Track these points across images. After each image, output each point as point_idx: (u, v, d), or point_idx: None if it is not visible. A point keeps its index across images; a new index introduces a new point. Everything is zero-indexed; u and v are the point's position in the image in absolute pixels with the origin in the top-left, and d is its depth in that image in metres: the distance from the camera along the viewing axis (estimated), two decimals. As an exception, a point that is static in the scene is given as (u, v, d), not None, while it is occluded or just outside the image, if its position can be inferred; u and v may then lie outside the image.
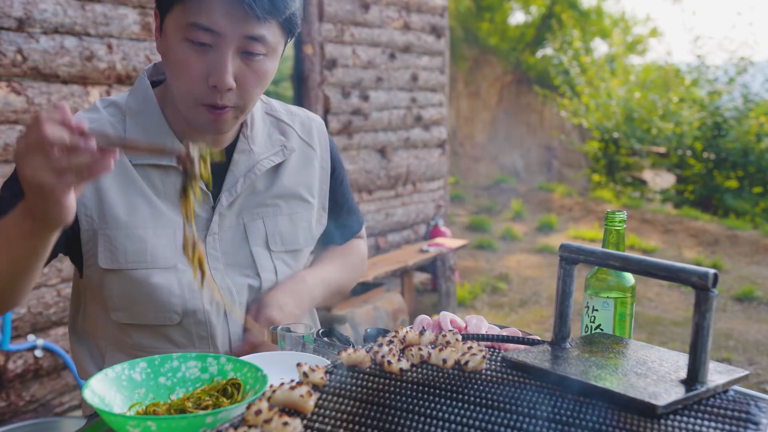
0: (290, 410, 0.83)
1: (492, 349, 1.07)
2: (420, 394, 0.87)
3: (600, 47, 14.29)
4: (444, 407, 0.83)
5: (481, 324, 1.25)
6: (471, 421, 0.80)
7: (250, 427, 0.77)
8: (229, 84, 1.25)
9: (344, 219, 1.66)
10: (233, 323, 1.41)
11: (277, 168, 1.49)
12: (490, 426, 0.79)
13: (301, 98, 4.87)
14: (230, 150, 1.43)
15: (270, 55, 1.30)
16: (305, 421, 0.81)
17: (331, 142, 1.62)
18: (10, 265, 1.17)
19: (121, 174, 1.34)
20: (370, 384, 0.90)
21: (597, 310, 1.22)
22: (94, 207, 1.32)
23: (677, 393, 0.85)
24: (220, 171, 1.39)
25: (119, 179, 1.33)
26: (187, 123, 1.36)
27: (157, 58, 3.41)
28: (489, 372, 0.95)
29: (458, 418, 0.81)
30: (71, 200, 1.04)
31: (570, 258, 1.02)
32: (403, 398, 0.86)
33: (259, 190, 1.46)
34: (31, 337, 3.05)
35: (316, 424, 0.80)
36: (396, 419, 0.81)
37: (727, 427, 0.80)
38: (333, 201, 1.61)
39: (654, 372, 0.92)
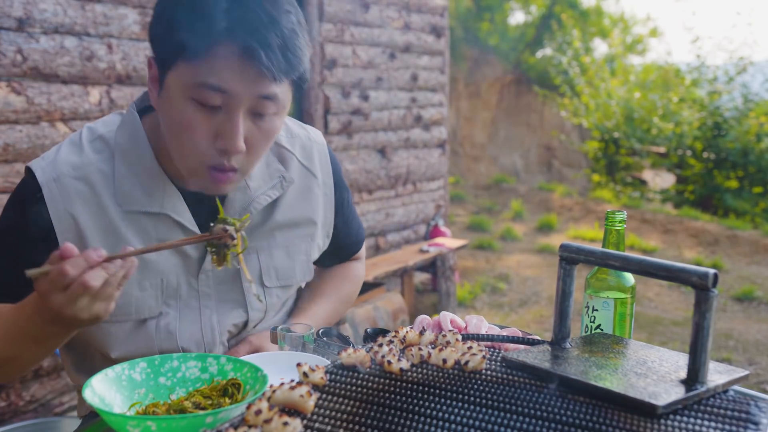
0: (290, 410, 0.83)
1: (492, 349, 1.07)
2: (420, 394, 0.87)
3: (600, 47, 14.31)
4: (444, 407, 0.83)
5: (481, 324, 1.25)
6: (471, 421, 0.80)
7: (250, 427, 0.77)
8: (240, 148, 1.17)
9: (344, 239, 1.60)
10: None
11: (273, 201, 1.41)
12: (490, 426, 0.79)
13: (300, 98, 4.87)
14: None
15: (280, 113, 1.22)
16: (305, 421, 0.81)
17: (334, 163, 1.53)
18: (30, 359, 1.21)
19: (107, 229, 1.27)
20: (370, 384, 0.90)
21: (597, 310, 1.22)
22: None
23: (677, 393, 0.85)
24: (212, 210, 1.30)
25: (105, 234, 1.27)
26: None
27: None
28: (489, 372, 0.95)
29: (458, 418, 0.81)
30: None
31: (570, 258, 1.02)
32: (403, 398, 0.86)
33: (255, 224, 1.39)
34: (31, 337, 3.04)
35: (316, 424, 0.80)
36: (396, 419, 0.81)
37: (727, 427, 0.80)
38: (335, 224, 1.54)
39: (654, 372, 0.92)
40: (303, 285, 1.61)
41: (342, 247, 1.62)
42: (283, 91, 1.18)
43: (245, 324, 1.41)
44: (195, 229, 1.31)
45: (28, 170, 1.28)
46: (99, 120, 1.37)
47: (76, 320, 1.06)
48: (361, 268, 1.74)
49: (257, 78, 1.13)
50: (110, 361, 1.35)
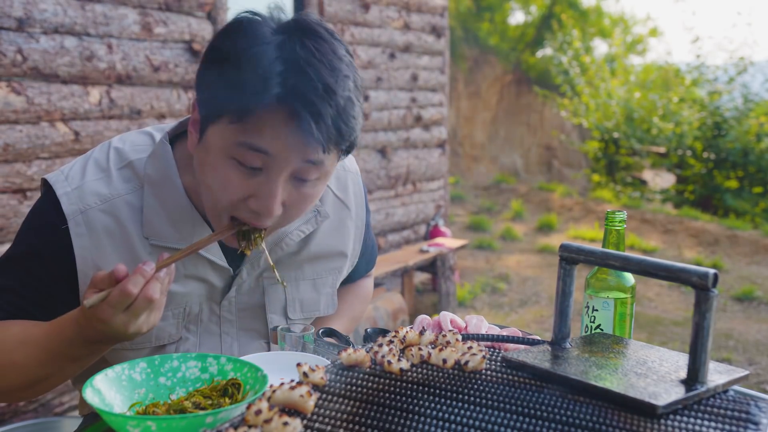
0: (290, 410, 0.83)
1: (492, 349, 1.07)
2: (420, 394, 0.87)
3: (600, 47, 14.30)
4: (444, 407, 0.83)
5: (481, 324, 1.25)
6: (471, 421, 0.80)
7: (250, 427, 0.77)
8: (275, 213, 1.13)
9: (361, 261, 1.57)
10: None
11: (306, 236, 1.37)
12: (490, 426, 0.79)
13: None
14: None
15: (323, 179, 1.17)
16: (305, 421, 0.81)
17: (365, 191, 1.49)
18: (64, 377, 1.21)
19: (128, 261, 1.22)
20: (370, 384, 0.90)
21: (597, 310, 1.22)
22: None
23: (677, 393, 0.85)
24: None
25: (128, 266, 1.17)
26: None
27: (158, 58, 3.41)
28: (489, 372, 0.95)
29: (458, 418, 0.81)
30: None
31: (570, 258, 1.02)
32: (403, 398, 0.86)
33: (284, 256, 1.36)
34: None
35: (316, 424, 0.80)
36: (396, 419, 0.81)
37: (727, 427, 0.80)
38: (360, 249, 1.53)
39: (654, 372, 0.92)
40: None
41: (358, 270, 1.59)
42: (330, 159, 1.13)
43: None
44: (224, 264, 1.29)
45: (50, 191, 1.24)
46: (127, 139, 1.31)
47: (137, 335, 1.09)
48: (370, 284, 1.73)
49: (304, 145, 1.08)
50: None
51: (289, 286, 1.38)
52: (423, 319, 1.30)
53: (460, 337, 1.06)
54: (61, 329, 1.13)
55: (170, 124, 1.36)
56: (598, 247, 1.03)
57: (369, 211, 1.55)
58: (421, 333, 1.06)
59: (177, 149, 1.29)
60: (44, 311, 1.22)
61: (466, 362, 0.96)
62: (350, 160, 1.48)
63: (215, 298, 1.33)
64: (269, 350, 1.40)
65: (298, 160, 1.10)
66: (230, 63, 1.08)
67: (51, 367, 1.17)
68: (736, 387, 0.93)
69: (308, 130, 1.05)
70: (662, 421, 0.81)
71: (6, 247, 2.97)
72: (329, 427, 0.79)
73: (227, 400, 1.04)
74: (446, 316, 1.27)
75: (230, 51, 1.09)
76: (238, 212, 1.15)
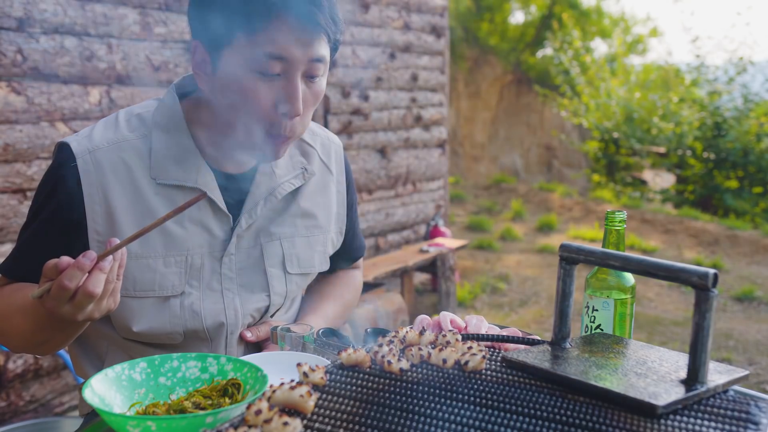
0: (290, 410, 0.83)
1: (492, 349, 1.07)
2: (420, 394, 0.87)
3: (600, 47, 14.30)
4: (444, 407, 0.83)
5: (481, 324, 1.25)
6: (471, 421, 0.80)
7: (250, 427, 0.77)
8: (300, 110, 1.25)
9: (348, 244, 1.64)
10: (233, 340, 1.41)
11: (295, 190, 1.47)
12: (490, 426, 0.79)
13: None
14: (252, 172, 1.41)
15: (325, 74, 1.31)
16: (305, 421, 0.81)
17: (347, 165, 1.60)
18: (60, 342, 1.27)
19: (138, 202, 1.31)
20: (370, 384, 0.90)
21: (597, 310, 1.22)
22: (107, 234, 1.30)
23: (677, 393, 0.85)
24: (240, 193, 1.39)
25: (135, 207, 1.30)
26: (232, 148, 1.35)
27: (158, 58, 3.41)
28: (489, 372, 0.95)
29: (458, 418, 0.81)
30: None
31: (570, 258, 1.02)
32: (403, 398, 0.86)
33: (278, 212, 1.45)
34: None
35: (316, 424, 0.80)
36: (396, 419, 0.81)
37: (727, 427, 0.80)
38: (346, 224, 1.60)
39: (654, 372, 0.92)
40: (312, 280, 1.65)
41: (348, 250, 1.65)
42: (327, 52, 1.27)
43: (267, 309, 1.44)
44: (223, 207, 1.36)
45: (62, 144, 1.32)
46: (134, 105, 1.42)
47: (90, 320, 1.12)
48: (360, 277, 1.78)
49: (311, 42, 1.22)
50: (116, 347, 1.39)
51: (286, 242, 1.46)
52: (423, 319, 1.30)
53: (460, 337, 1.06)
54: (40, 303, 1.17)
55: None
56: (598, 247, 1.03)
57: (355, 193, 1.65)
58: (421, 333, 1.06)
59: (182, 105, 1.38)
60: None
61: (466, 362, 0.96)
62: (334, 136, 1.62)
63: (216, 254, 1.37)
64: (270, 302, 1.44)
65: (307, 56, 1.23)
66: None
67: (43, 335, 1.23)
68: (736, 387, 0.93)
69: (318, 22, 1.20)
70: (662, 421, 0.81)
71: (6, 247, 2.97)
72: (329, 427, 0.79)
73: (227, 400, 1.04)
74: (446, 316, 1.27)
75: None
76: (269, 126, 1.26)
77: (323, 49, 1.25)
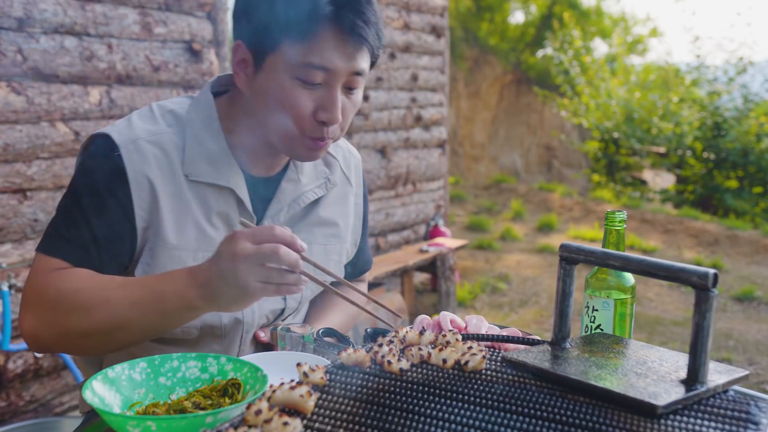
0: (290, 410, 0.83)
1: (492, 349, 1.07)
2: (420, 394, 0.87)
3: (600, 47, 14.31)
4: (444, 407, 0.83)
5: (481, 324, 1.25)
6: (471, 421, 0.80)
7: (250, 427, 0.77)
8: (339, 119, 1.27)
9: (360, 255, 1.66)
10: (248, 339, 1.41)
11: (317, 199, 1.49)
12: (490, 426, 0.79)
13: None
14: (278, 177, 1.43)
15: (362, 87, 1.33)
16: (305, 421, 0.81)
17: (364, 179, 1.64)
18: (138, 333, 1.23)
19: (176, 194, 1.31)
20: (370, 384, 0.90)
21: (597, 310, 1.22)
22: (150, 224, 1.30)
23: (677, 393, 0.85)
24: (265, 197, 1.40)
25: (174, 199, 1.31)
26: (263, 149, 1.36)
27: (158, 58, 3.41)
28: (489, 372, 0.95)
29: (458, 418, 0.81)
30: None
31: (570, 258, 1.02)
32: (403, 398, 0.86)
33: (298, 217, 1.47)
34: (31, 337, 3.04)
35: (316, 424, 0.80)
36: (396, 419, 0.81)
37: (727, 427, 0.80)
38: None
39: (654, 372, 0.92)
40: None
41: (356, 263, 1.67)
42: (368, 66, 1.30)
43: (282, 312, 1.45)
44: (250, 208, 1.37)
45: (100, 135, 1.30)
46: (165, 101, 1.42)
47: (227, 301, 1.13)
48: (365, 290, 1.77)
49: (355, 56, 1.24)
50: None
51: None
52: (423, 319, 1.30)
53: (460, 337, 1.06)
54: (170, 276, 1.18)
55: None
56: (598, 247, 1.03)
57: (368, 203, 1.66)
58: (421, 333, 1.06)
59: (216, 103, 1.38)
60: (102, 252, 1.27)
61: (466, 362, 0.96)
62: (355, 150, 1.65)
63: None
64: (286, 305, 1.45)
65: (349, 69, 1.25)
66: None
67: (138, 311, 1.18)
68: (736, 387, 0.93)
69: (364, 36, 1.22)
70: (662, 421, 0.81)
71: (6, 247, 2.97)
72: (329, 427, 0.79)
73: (227, 400, 1.04)
74: (446, 316, 1.27)
75: None
76: (307, 129, 1.28)
77: (365, 63, 1.27)
